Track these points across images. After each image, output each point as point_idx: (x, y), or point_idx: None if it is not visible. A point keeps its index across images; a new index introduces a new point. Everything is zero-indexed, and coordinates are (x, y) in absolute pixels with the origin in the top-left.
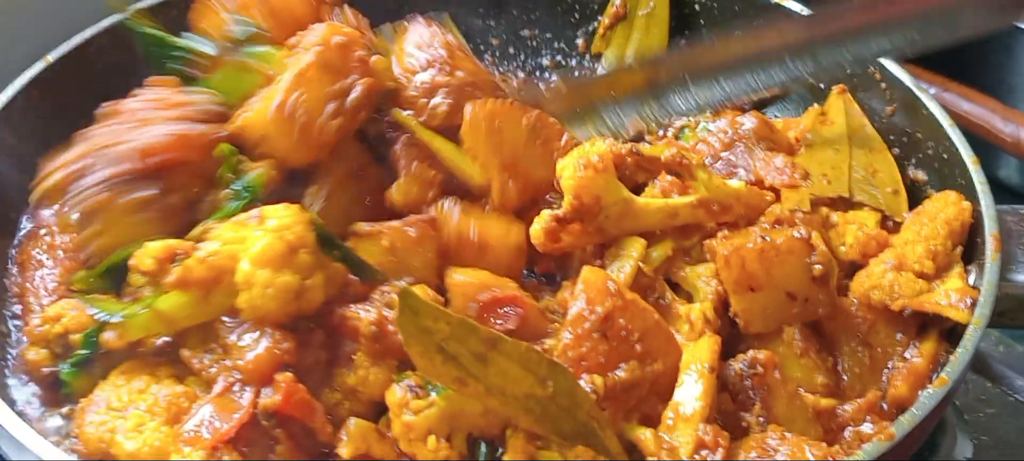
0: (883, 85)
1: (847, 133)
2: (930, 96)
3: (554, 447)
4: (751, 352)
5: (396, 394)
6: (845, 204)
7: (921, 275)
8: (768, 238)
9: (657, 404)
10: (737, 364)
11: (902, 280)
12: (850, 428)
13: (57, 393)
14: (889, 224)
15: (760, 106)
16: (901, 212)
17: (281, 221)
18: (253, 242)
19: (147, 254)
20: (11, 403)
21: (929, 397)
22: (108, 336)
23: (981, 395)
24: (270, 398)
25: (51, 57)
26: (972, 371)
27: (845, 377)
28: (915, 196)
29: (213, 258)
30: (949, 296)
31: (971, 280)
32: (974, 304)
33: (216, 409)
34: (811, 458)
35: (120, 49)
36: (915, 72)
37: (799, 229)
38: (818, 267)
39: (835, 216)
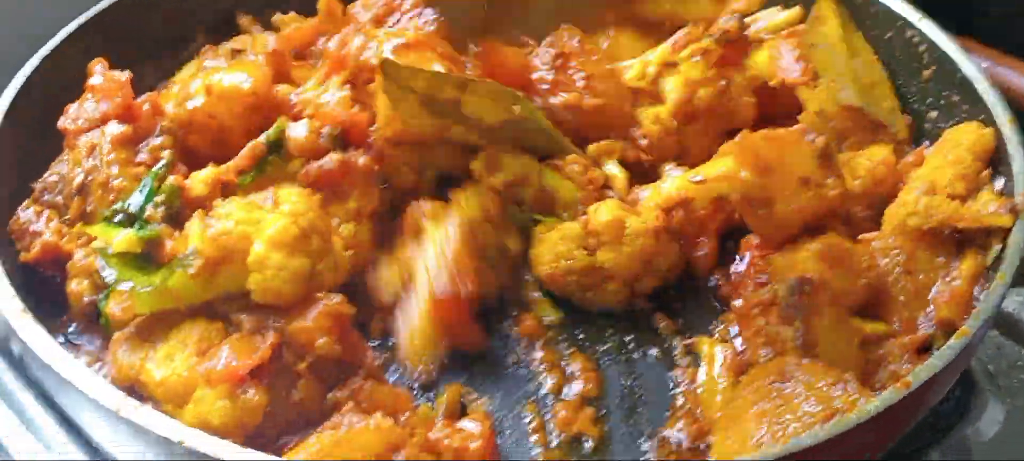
0: (921, 48)
1: (842, 36)
2: (966, 58)
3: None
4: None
5: None
6: (855, 141)
7: (953, 196)
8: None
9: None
10: (788, 283)
11: (936, 203)
12: (887, 365)
13: (96, 323)
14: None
15: None
16: (901, 128)
17: (295, 206)
18: (268, 224)
19: (198, 180)
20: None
21: (949, 349)
22: (113, 309)
23: (1016, 361)
24: (324, 342)
25: (97, 8)
26: (1006, 336)
27: (895, 318)
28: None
29: (224, 238)
30: (987, 206)
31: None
32: (1014, 209)
33: (233, 349)
34: (823, 386)
35: (165, 4)
36: (969, 45)
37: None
38: (820, 139)
39: (845, 155)
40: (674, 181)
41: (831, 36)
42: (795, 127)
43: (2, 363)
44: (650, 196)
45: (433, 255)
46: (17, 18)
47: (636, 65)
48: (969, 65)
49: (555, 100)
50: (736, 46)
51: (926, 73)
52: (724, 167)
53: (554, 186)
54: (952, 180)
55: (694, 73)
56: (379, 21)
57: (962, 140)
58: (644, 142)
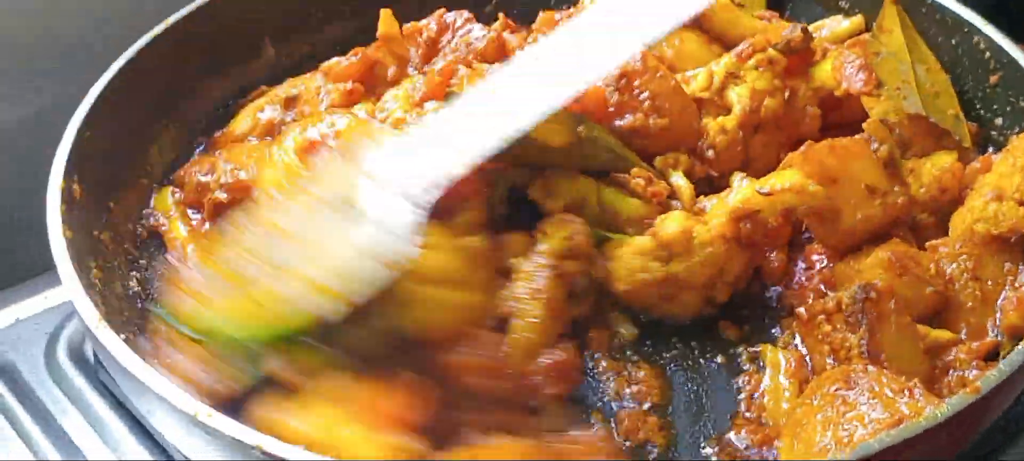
0: (987, 54)
1: (905, 44)
2: None
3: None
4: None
5: None
6: (919, 149)
7: (1021, 203)
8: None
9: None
10: (852, 289)
11: (1004, 209)
12: (954, 372)
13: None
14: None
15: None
16: (966, 135)
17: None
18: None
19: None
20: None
21: (1018, 354)
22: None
23: None
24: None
25: (172, 19)
26: None
27: (961, 326)
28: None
29: None
30: None
31: None
32: None
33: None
34: (889, 393)
35: (233, 15)
36: None
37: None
38: (884, 149)
39: (910, 163)
40: (741, 192)
41: (895, 45)
42: (859, 136)
43: (74, 368)
44: (716, 206)
45: (522, 295)
46: (86, 33)
47: (702, 75)
48: None
49: (621, 122)
50: (800, 56)
51: (993, 79)
52: (791, 179)
53: (615, 204)
54: (1020, 185)
55: (760, 83)
56: (433, 43)
57: None
58: (710, 154)
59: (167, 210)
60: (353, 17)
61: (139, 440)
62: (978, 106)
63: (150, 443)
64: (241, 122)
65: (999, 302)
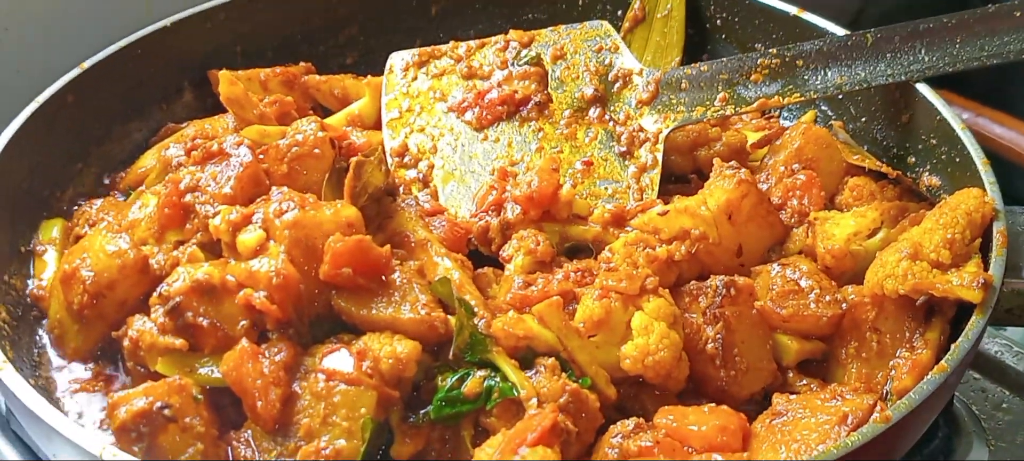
0: (897, 93)
1: None
2: (942, 101)
3: None
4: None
5: None
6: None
7: (937, 265)
8: None
9: None
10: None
11: (916, 270)
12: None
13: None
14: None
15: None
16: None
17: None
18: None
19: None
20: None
21: (928, 383)
22: None
23: (1000, 403)
24: None
25: (87, 64)
26: (989, 378)
27: (852, 369)
28: (930, 203)
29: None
30: (962, 278)
31: None
32: (986, 285)
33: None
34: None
35: (152, 59)
36: (949, 98)
37: None
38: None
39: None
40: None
41: None
42: None
43: None
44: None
45: None
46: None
47: None
48: (947, 110)
49: None
50: None
51: (904, 118)
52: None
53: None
54: (938, 245)
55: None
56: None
57: (961, 204)
58: None
59: (50, 240)
60: (275, 58)
61: None
62: (891, 145)
63: None
64: (147, 160)
65: (892, 361)
